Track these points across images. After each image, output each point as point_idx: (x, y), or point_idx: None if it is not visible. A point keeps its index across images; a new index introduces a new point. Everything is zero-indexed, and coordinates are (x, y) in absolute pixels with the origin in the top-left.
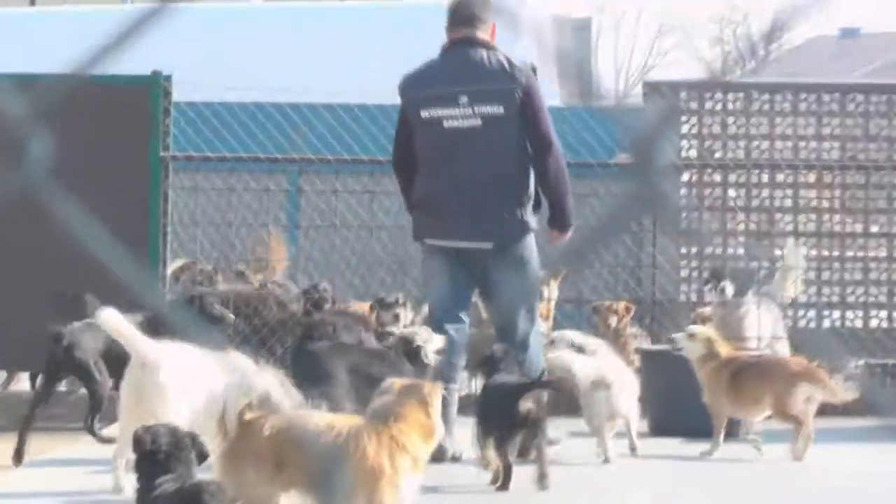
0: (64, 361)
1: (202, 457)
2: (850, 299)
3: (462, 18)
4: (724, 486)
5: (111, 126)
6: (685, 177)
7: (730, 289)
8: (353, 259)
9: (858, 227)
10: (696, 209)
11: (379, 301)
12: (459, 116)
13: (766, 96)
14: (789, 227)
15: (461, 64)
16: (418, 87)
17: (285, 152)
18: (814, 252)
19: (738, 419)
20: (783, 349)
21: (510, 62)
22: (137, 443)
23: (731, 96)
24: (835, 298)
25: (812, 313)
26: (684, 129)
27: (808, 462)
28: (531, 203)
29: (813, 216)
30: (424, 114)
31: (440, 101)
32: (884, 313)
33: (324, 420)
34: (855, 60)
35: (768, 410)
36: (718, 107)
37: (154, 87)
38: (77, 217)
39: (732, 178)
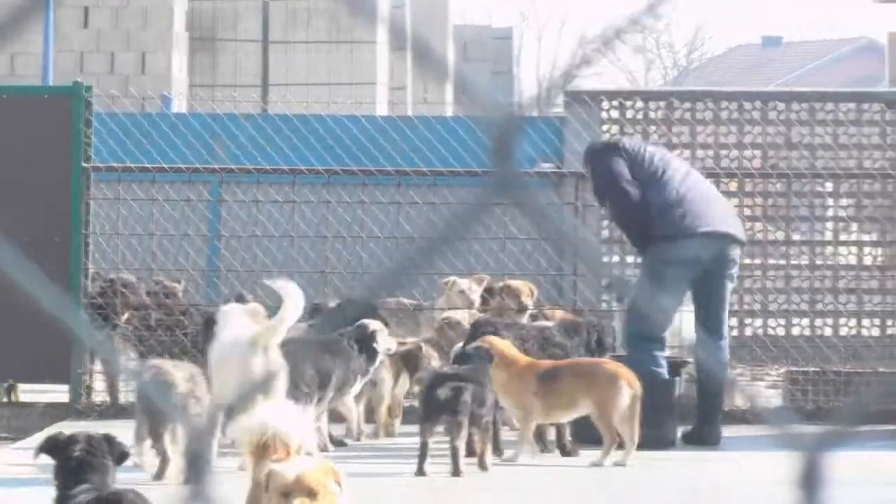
0: None
1: (121, 458)
2: (772, 307)
3: None
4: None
5: (32, 137)
6: None
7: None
8: (275, 269)
9: (780, 235)
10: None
11: (315, 307)
12: None
13: (688, 105)
14: None
15: None
16: None
17: (206, 163)
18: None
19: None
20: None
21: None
22: (52, 451)
23: (652, 105)
24: (756, 307)
25: (734, 321)
26: (605, 138)
27: (709, 469)
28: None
29: None
30: None
31: None
32: (805, 321)
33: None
34: (777, 68)
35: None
36: (640, 116)
37: (76, 97)
38: None
39: None
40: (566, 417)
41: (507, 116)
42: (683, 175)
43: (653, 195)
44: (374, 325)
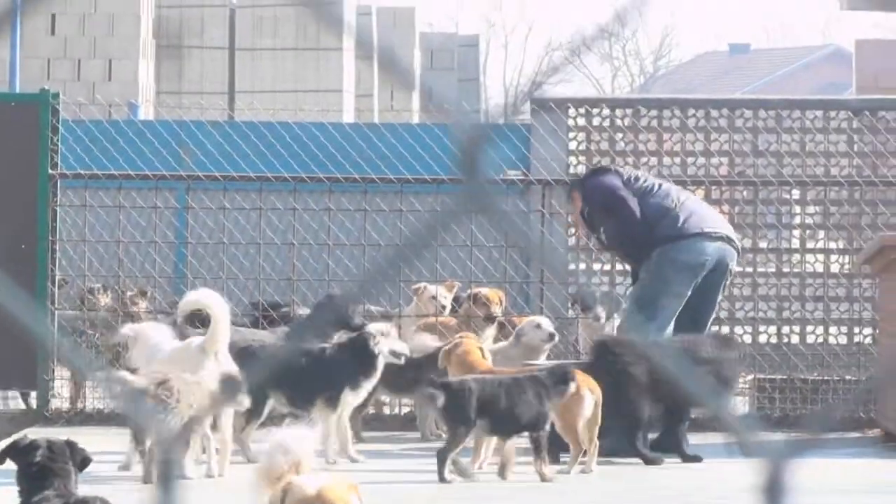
0: None
1: (83, 464)
2: (739, 315)
3: None
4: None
5: (0, 143)
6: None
7: (602, 313)
8: (241, 276)
9: (747, 243)
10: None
11: (284, 314)
12: None
13: (654, 112)
14: None
15: None
16: None
17: (173, 170)
18: None
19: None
20: None
21: None
22: (13, 456)
23: (619, 112)
24: (723, 314)
25: None
26: (572, 145)
27: (680, 475)
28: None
29: None
30: None
31: None
32: (773, 329)
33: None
34: (744, 76)
35: None
36: (606, 123)
37: (43, 104)
38: None
39: None
40: None
41: (474, 126)
42: (678, 189)
43: (651, 204)
44: (373, 330)
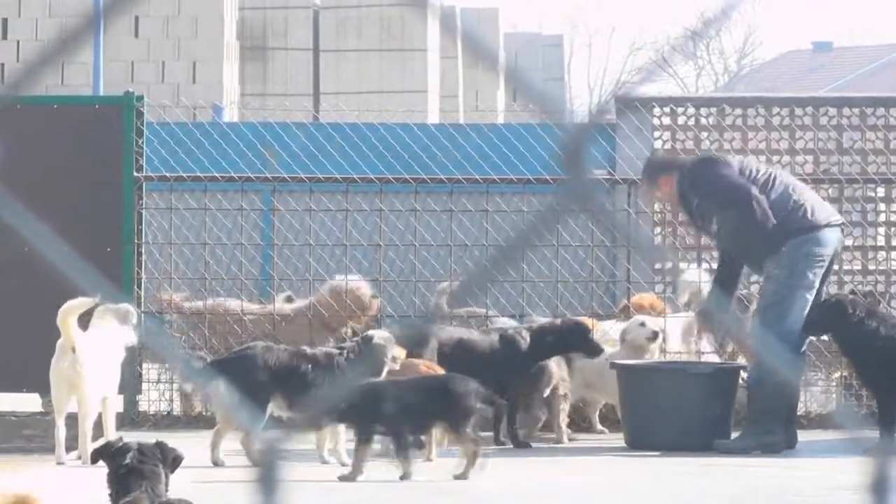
0: None
1: (175, 464)
2: None
3: None
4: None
5: (85, 147)
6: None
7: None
8: (328, 278)
9: None
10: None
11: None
12: None
13: (739, 111)
14: None
15: None
16: None
17: (258, 172)
18: None
19: None
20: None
21: None
22: (105, 457)
23: (703, 111)
24: None
25: None
26: (657, 144)
27: (778, 474)
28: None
29: None
30: None
31: None
32: None
33: None
34: (828, 74)
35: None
36: (691, 122)
37: (127, 107)
38: (38, 233)
39: None
40: None
41: (578, 125)
42: (787, 175)
43: (774, 197)
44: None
